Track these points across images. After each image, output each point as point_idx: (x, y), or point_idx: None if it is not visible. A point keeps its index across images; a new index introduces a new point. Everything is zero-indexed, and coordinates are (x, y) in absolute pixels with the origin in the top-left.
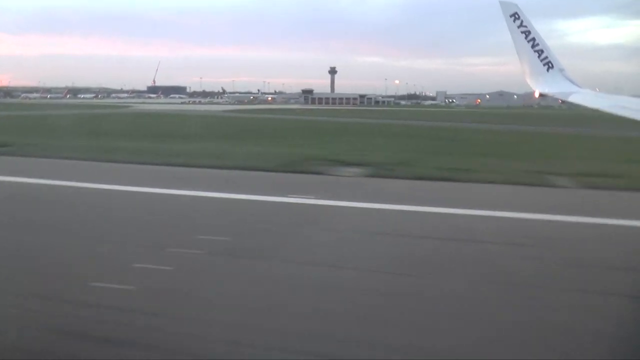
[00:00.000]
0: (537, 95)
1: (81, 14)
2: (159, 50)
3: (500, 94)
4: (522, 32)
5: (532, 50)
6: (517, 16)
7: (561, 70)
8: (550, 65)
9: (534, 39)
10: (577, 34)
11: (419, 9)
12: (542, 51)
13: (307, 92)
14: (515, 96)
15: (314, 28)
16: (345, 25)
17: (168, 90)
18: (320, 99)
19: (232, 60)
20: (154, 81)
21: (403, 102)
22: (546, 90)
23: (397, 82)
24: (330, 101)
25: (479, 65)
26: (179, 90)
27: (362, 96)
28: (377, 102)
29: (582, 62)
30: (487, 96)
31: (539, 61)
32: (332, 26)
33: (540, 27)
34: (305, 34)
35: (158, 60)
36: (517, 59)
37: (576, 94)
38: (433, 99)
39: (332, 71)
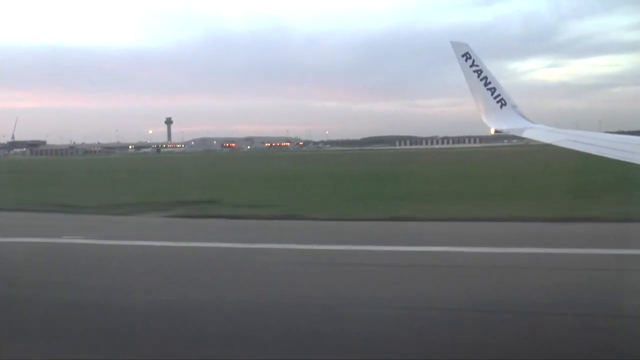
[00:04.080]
0: (492, 132)
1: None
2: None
3: (203, 140)
4: (474, 72)
5: (484, 89)
6: (468, 56)
7: (514, 106)
8: (503, 102)
9: (486, 78)
10: (526, 74)
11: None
12: (494, 89)
13: (34, 145)
14: (215, 142)
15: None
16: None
17: (23, 145)
18: (43, 150)
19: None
20: (13, 136)
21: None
22: (502, 126)
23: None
24: (48, 153)
25: (435, 106)
26: (39, 143)
27: (71, 147)
28: (85, 152)
29: (534, 100)
30: (192, 142)
31: (492, 99)
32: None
33: (490, 69)
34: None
35: (16, 116)
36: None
37: (530, 129)
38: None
39: (168, 121)
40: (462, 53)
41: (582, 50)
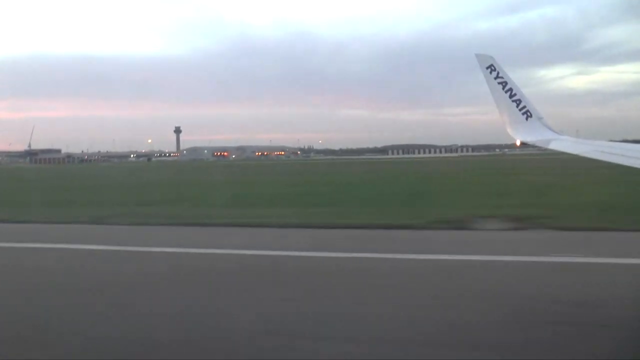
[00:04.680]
0: (518, 143)
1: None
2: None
3: (194, 149)
4: (499, 83)
5: (510, 101)
6: (493, 68)
7: (540, 118)
8: (528, 114)
9: (511, 90)
10: (553, 81)
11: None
12: (519, 101)
13: (32, 154)
14: (205, 151)
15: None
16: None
17: (38, 153)
18: (42, 159)
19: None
20: (30, 144)
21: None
22: (527, 138)
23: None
24: (50, 161)
25: (460, 115)
26: (51, 152)
27: (68, 155)
28: (81, 160)
29: (561, 109)
30: (185, 151)
31: (518, 111)
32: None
33: (517, 76)
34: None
35: (32, 125)
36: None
37: (556, 141)
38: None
39: (177, 130)
40: (487, 65)
41: (610, 57)
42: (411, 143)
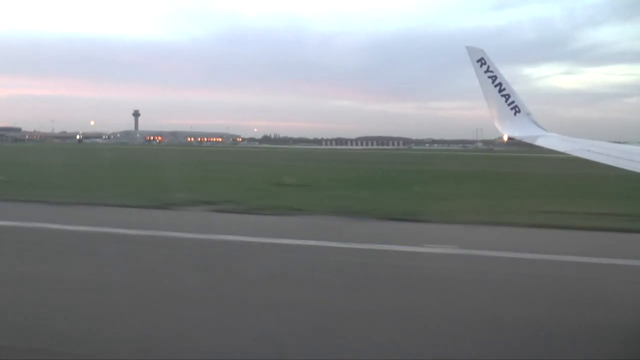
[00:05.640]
0: (505, 138)
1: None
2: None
3: (127, 133)
4: (488, 77)
5: (499, 95)
6: (483, 61)
7: (528, 114)
8: (517, 109)
9: (500, 84)
10: (540, 80)
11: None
12: (508, 96)
13: None
14: (138, 135)
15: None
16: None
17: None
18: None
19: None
20: None
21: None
22: (514, 134)
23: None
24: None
25: (445, 109)
26: (12, 130)
27: (1, 135)
28: (16, 140)
29: (547, 108)
30: (119, 134)
31: (506, 105)
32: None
33: (504, 73)
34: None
35: None
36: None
37: (543, 138)
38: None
39: (136, 114)
40: (477, 58)
41: (597, 58)
42: (385, 135)
